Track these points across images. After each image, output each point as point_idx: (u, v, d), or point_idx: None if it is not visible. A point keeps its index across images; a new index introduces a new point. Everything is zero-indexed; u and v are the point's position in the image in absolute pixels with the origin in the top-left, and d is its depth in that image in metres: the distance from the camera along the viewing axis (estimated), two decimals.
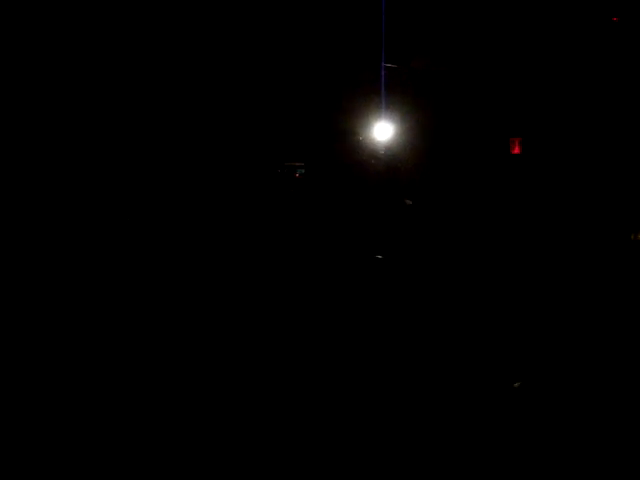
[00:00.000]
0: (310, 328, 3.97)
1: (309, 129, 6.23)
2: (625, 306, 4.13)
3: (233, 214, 6.04)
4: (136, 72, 5.65)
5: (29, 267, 4.18)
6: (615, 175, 5.24)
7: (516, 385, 3.08)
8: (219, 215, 6.01)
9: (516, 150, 5.52)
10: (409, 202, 5.54)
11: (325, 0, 6.14)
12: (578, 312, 4.11)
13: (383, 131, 5.96)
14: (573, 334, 3.77)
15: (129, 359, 3.37)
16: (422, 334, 3.87)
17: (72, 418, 2.72)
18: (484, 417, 2.80)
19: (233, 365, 3.43)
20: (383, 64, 6.05)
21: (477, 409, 2.88)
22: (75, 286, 4.13)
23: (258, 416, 2.79)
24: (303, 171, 6.16)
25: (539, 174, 5.39)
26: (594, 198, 5.21)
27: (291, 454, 2.50)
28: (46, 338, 3.57)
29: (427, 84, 6.04)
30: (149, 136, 5.84)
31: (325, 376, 3.30)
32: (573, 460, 2.45)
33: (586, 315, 4.04)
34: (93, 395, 2.94)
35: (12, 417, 2.72)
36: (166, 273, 4.72)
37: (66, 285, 4.12)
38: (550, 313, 4.12)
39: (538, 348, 3.62)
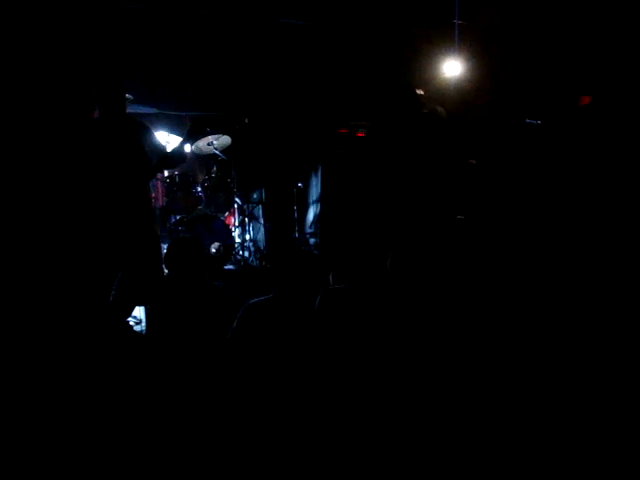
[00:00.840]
0: None
1: (375, 87, 6.18)
2: None
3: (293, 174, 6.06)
4: None
5: (28, 267, 4.17)
6: None
7: None
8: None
9: (586, 101, 5.24)
10: (473, 162, 5.36)
11: None
12: None
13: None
14: None
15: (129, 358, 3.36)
16: None
17: (72, 418, 2.71)
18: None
19: None
20: (456, 21, 5.94)
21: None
22: (75, 286, 4.12)
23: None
24: (366, 130, 6.07)
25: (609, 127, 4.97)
26: None
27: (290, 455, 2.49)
28: (45, 338, 3.56)
29: (496, 41, 5.89)
30: None
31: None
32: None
33: None
34: (93, 396, 2.93)
35: (11, 417, 2.70)
36: None
37: (65, 285, 4.11)
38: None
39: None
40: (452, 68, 5.92)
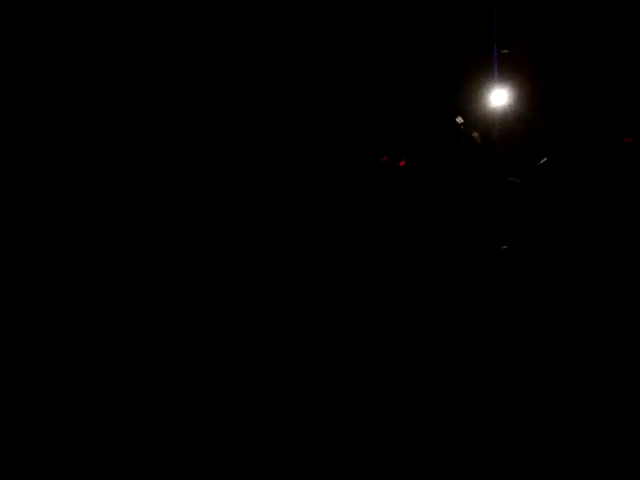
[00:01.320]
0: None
1: (414, 115, 6.31)
2: None
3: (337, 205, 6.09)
4: None
5: (29, 267, 4.16)
6: None
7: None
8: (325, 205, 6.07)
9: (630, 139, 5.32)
10: (515, 179, 5.48)
11: None
12: None
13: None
14: None
15: (130, 358, 3.35)
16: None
17: (72, 418, 2.70)
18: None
19: None
20: (495, 50, 6.05)
21: None
22: (75, 286, 4.11)
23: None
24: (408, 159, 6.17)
25: None
26: None
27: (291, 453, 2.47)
28: (46, 338, 3.54)
29: (537, 71, 5.98)
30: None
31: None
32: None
33: None
34: (93, 395, 2.91)
35: (12, 417, 2.70)
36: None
37: (66, 285, 4.10)
38: None
39: None
40: (494, 96, 6.06)
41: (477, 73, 6.24)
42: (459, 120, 5.47)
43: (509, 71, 6.06)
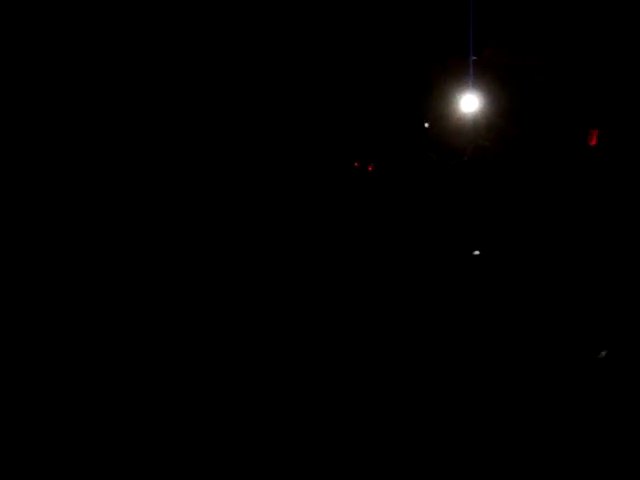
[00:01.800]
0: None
1: (384, 121, 6.35)
2: None
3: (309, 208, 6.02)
4: None
5: (29, 267, 4.05)
6: None
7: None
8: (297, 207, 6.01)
9: (593, 142, 5.36)
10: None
11: None
12: None
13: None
14: None
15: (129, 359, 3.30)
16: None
17: (72, 419, 2.67)
18: None
19: None
20: (463, 55, 6.13)
21: None
22: (75, 286, 4.01)
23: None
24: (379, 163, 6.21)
25: (617, 166, 5.16)
26: None
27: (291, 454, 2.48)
28: (46, 338, 3.48)
29: (505, 76, 6.09)
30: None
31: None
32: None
33: None
34: (92, 396, 2.88)
35: (11, 417, 2.67)
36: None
37: (66, 285, 4.00)
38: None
39: None
40: (463, 102, 6.18)
41: (446, 79, 6.37)
42: (427, 125, 5.58)
43: (477, 77, 6.22)
